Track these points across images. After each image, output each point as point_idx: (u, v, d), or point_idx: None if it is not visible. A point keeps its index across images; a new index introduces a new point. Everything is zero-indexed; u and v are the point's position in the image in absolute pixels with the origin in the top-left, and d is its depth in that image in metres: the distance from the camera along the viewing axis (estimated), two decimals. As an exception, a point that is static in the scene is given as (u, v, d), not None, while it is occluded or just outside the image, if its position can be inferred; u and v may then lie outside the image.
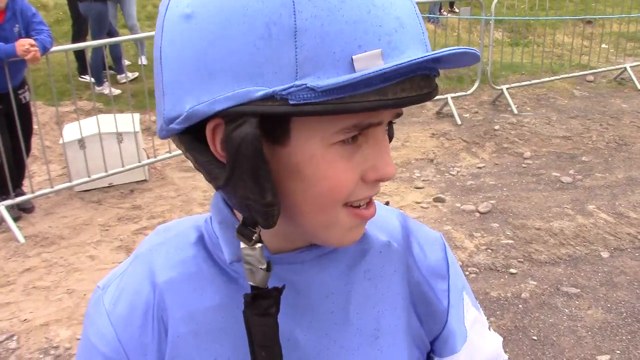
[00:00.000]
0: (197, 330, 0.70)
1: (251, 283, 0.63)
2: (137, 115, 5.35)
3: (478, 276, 3.79)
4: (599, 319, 3.39)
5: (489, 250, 4.07)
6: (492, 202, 4.73)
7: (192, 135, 0.63)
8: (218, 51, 0.57)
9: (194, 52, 0.58)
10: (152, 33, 4.84)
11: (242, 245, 0.63)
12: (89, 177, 4.80)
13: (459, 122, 6.38)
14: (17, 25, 4.23)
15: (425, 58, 0.55)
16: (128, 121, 5.08)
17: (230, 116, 0.57)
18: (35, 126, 4.73)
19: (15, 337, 3.27)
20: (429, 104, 6.67)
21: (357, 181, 0.63)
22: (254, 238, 0.62)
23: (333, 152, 0.60)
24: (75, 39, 6.92)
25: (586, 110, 6.85)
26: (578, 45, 7.88)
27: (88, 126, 4.93)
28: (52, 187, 4.67)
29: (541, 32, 8.46)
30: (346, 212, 0.65)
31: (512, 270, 3.85)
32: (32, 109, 4.62)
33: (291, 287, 0.70)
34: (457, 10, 10.52)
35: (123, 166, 4.92)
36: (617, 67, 7.94)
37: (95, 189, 4.95)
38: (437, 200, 4.80)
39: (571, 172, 5.31)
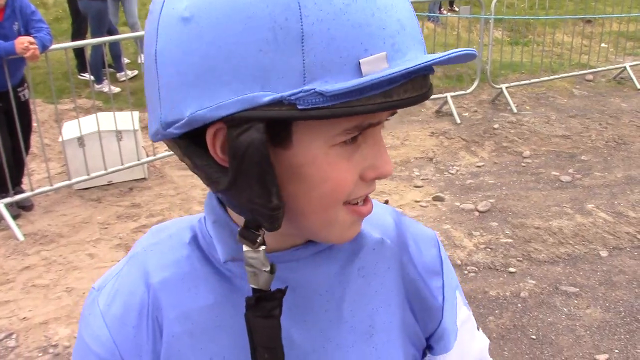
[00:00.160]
0: (192, 330, 0.70)
1: (254, 286, 0.63)
2: (136, 113, 5.35)
3: (477, 275, 3.79)
4: (597, 318, 3.39)
5: (488, 249, 4.08)
6: (491, 201, 4.74)
7: (190, 139, 0.62)
8: (220, 56, 0.56)
9: (195, 56, 0.57)
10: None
11: (245, 248, 0.63)
12: (88, 175, 4.80)
13: (458, 121, 6.39)
14: (16, 23, 4.22)
15: (433, 62, 0.56)
16: (127, 119, 5.08)
17: (235, 121, 0.57)
18: (34, 124, 4.72)
19: (14, 336, 3.27)
20: (428, 102, 6.67)
21: (356, 180, 0.63)
22: (258, 241, 0.62)
23: (334, 153, 0.61)
24: (74, 37, 6.91)
25: (585, 110, 6.85)
26: (578, 45, 7.88)
27: (87, 124, 4.93)
28: (51, 185, 4.67)
29: (541, 31, 8.47)
30: (345, 210, 0.65)
31: (511, 269, 3.85)
32: (32, 106, 4.62)
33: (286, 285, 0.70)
34: (456, 9, 10.51)
35: (122, 164, 4.92)
36: (617, 66, 7.94)
37: (94, 187, 4.95)
38: (436, 199, 4.80)
39: (570, 171, 5.32)
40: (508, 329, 3.30)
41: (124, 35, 6.08)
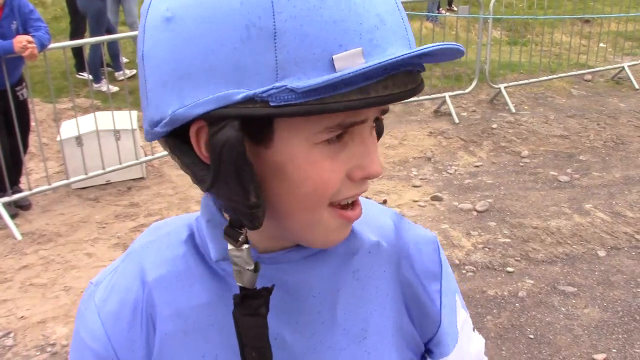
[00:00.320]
0: (184, 328, 0.70)
1: (239, 284, 0.63)
2: (134, 113, 5.34)
3: (475, 275, 3.80)
4: (595, 318, 3.40)
5: (486, 249, 4.08)
6: (489, 200, 4.74)
7: (177, 138, 0.63)
8: (198, 54, 0.56)
9: (175, 55, 0.58)
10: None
11: (230, 246, 0.63)
12: (86, 174, 4.80)
13: (456, 120, 6.39)
14: (14, 22, 4.22)
15: (404, 56, 0.54)
16: (126, 118, 5.08)
17: (212, 119, 0.57)
18: (32, 123, 4.72)
19: (12, 335, 3.27)
20: (426, 102, 6.67)
21: (342, 179, 0.62)
22: (240, 239, 0.62)
23: (317, 152, 0.60)
24: (73, 36, 6.90)
25: (584, 110, 6.86)
26: (576, 45, 7.89)
27: (85, 123, 4.92)
28: (49, 185, 4.67)
29: (539, 31, 8.48)
30: (331, 213, 0.64)
31: (509, 269, 3.85)
32: (30, 106, 4.62)
33: (279, 287, 0.70)
34: (455, 8, 10.52)
35: (120, 163, 4.91)
36: (615, 66, 7.95)
37: (92, 186, 4.95)
38: (435, 198, 4.80)
39: (568, 171, 5.32)
40: (506, 329, 3.30)
41: (122, 34, 6.07)
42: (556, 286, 3.68)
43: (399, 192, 4.91)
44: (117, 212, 4.59)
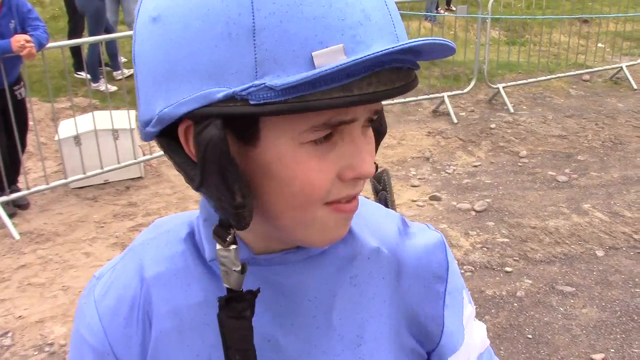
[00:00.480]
0: (180, 326, 0.70)
1: (226, 285, 0.62)
2: (132, 112, 5.32)
3: (473, 274, 3.80)
4: (593, 318, 3.40)
5: (485, 249, 4.08)
6: (487, 200, 4.74)
7: (169, 137, 0.63)
8: (182, 53, 0.56)
9: (160, 54, 0.58)
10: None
11: (218, 246, 0.62)
12: (84, 173, 4.80)
13: (455, 120, 6.39)
14: (12, 21, 4.22)
15: (384, 52, 0.53)
16: (124, 118, 5.07)
17: (197, 118, 0.57)
18: (30, 122, 4.71)
19: (9, 334, 3.26)
20: (425, 102, 6.68)
21: (332, 180, 0.61)
22: (228, 239, 0.61)
23: (304, 151, 0.59)
24: (71, 35, 6.90)
25: (582, 110, 6.86)
26: (574, 45, 7.89)
27: (84, 123, 4.92)
28: (47, 184, 4.66)
29: (538, 31, 8.48)
30: (326, 210, 0.63)
31: (508, 269, 3.86)
32: (28, 105, 4.61)
33: (275, 289, 0.70)
34: (454, 8, 10.52)
35: (119, 163, 4.91)
36: (613, 66, 7.96)
37: (90, 185, 4.94)
38: (433, 198, 4.80)
39: (567, 171, 5.33)
40: (504, 329, 3.31)
41: (120, 33, 6.07)
42: (554, 286, 3.69)
43: (397, 192, 4.91)
44: (115, 211, 4.59)
